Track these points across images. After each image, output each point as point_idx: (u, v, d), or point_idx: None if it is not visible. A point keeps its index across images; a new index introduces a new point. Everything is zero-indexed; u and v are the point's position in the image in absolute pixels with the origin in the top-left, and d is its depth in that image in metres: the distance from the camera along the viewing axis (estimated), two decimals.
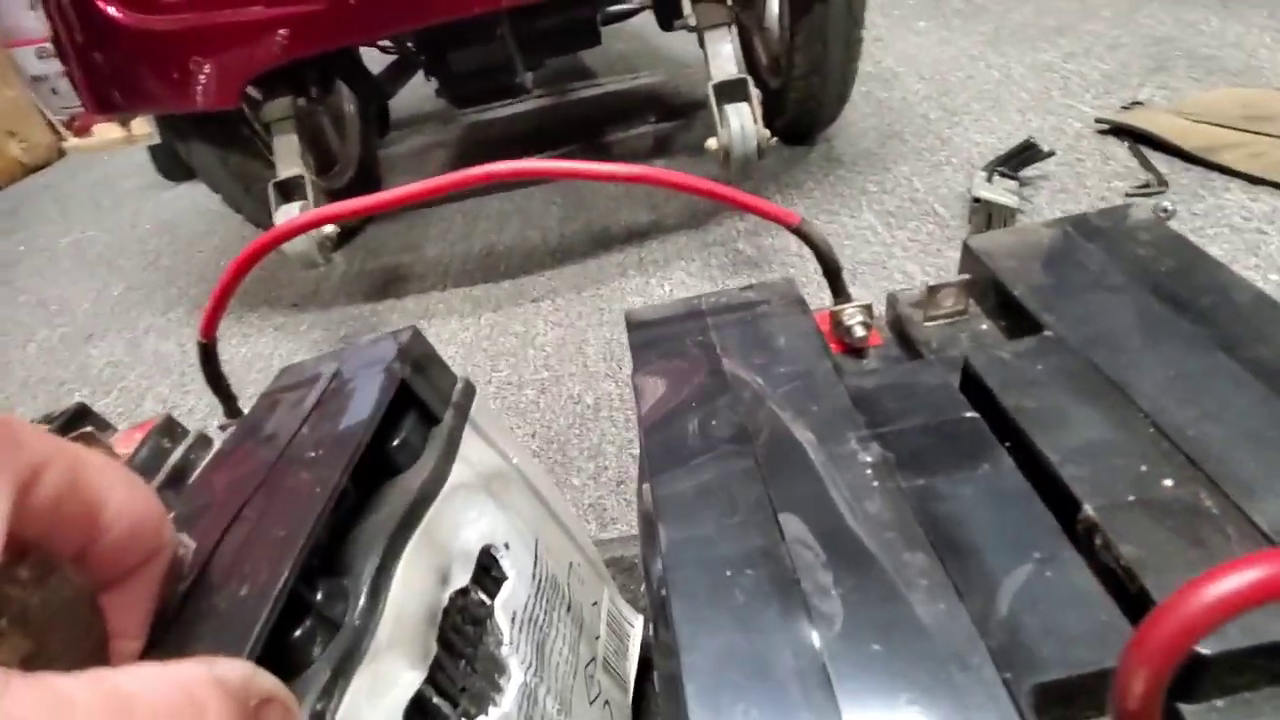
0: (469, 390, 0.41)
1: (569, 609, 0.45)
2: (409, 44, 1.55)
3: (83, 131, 3.42)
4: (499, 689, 0.35)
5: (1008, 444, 0.29)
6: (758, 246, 1.27)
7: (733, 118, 1.06)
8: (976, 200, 1.14)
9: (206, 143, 1.38)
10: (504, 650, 0.37)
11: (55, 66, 3.18)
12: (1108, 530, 0.24)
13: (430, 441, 0.38)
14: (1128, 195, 1.15)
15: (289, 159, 1.21)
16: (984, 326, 0.38)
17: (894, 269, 1.12)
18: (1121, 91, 1.44)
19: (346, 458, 0.32)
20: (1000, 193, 1.14)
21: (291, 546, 0.27)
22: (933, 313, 0.38)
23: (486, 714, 0.34)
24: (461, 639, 0.34)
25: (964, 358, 0.32)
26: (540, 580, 0.42)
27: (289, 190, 1.20)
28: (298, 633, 0.27)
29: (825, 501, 0.26)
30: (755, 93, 1.07)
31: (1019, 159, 1.23)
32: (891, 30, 2.02)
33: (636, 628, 0.55)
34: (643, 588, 0.63)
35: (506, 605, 0.38)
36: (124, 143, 3.22)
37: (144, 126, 3.13)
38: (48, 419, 0.40)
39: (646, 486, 0.31)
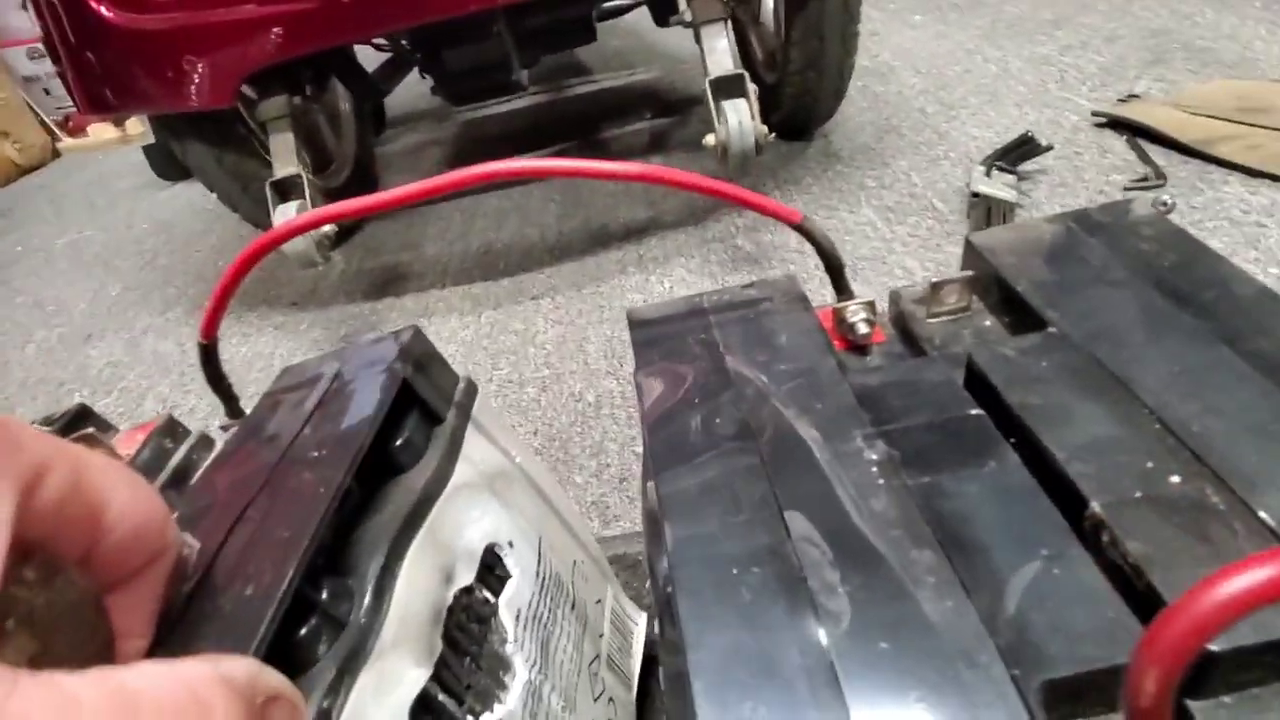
0: (471, 389, 0.41)
1: (573, 607, 0.45)
2: (404, 42, 1.54)
3: (77, 131, 3.41)
4: (504, 686, 0.35)
5: (1013, 441, 0.29)
6: (757, 243, 1.27)
7: (730, 114, 1.06)
8: (975, 195, 1.14)
9: (202, 142, 1.38)
10: (509, 648, 0.37)
11: (47, 67, 3.17)
12: (1115, 527, 0.24)
13: (433, 441, 0.38)
14: (1126, 189, 1.15)
15: (285, 158, 1.20)
16: (987, 323, 0.38)
17: (894, 264, 1.12)
18: (1118, 84, 1.44)
19: (350, 458, 0.32)
20: (999, 187, 1.14)
21: (296, 546, 0.27)
22: (935, 309, 0.38)
23: (492, 711, 0.34)
24: (466, 637, 0.34)
25: (968, 355, 0.32)
26: (544, 578, 0.42)
27: (286, 189, 1.19)
28: (303, 631, 0.27)
29: (831, 499, 0.26)
30: (752, 88, 1.07)
31: (1017, 153, 1.23)
32: (887, 24, 2.01)
33: (640, 625, 0.55)
34: (647, 585, 0.63)
35: (511, 603, 0.38)
36: (118, 142, 3.21)
37: (138, 126, 3.12)
38: (48, 420, 0.40)
39: (651, 484, 0.31)
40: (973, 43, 1.79)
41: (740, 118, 1.04)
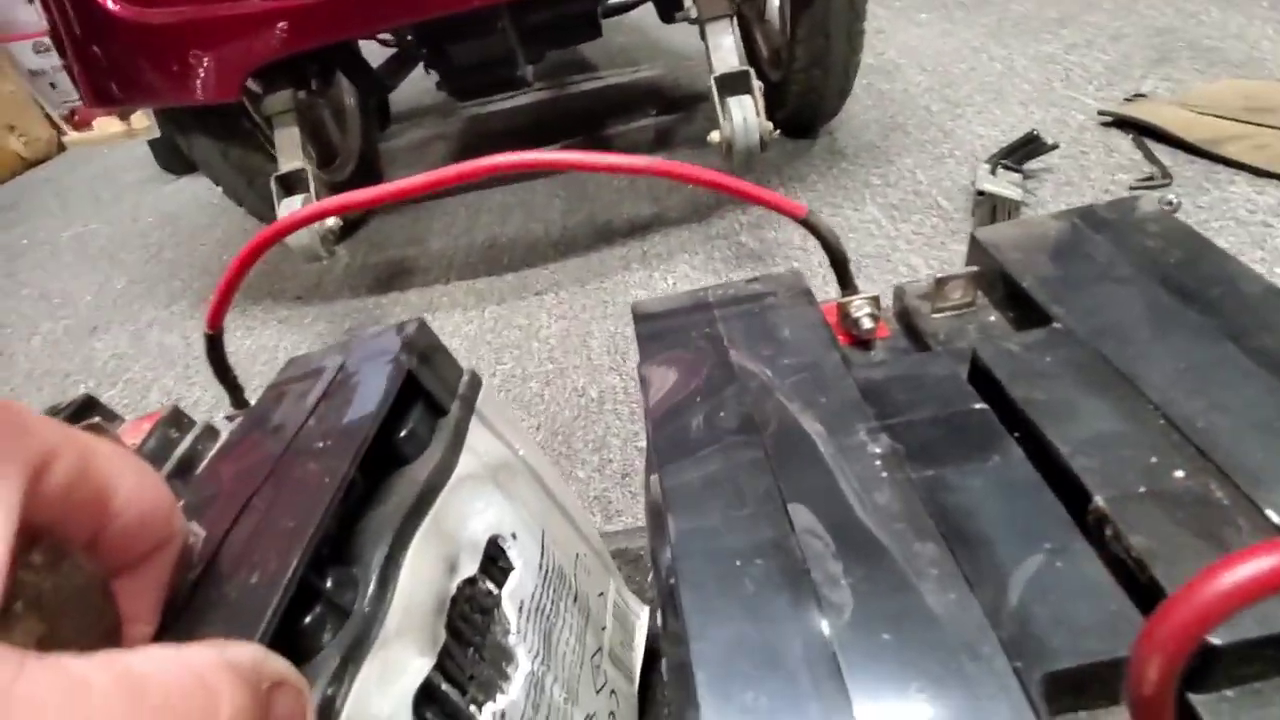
0: (475, 382, 0.41)
1: (575, 599, 0.45)
2: (409, 37, 1.54)
3: (82, 125, 3.41)
4: (507, 677, 0.36)
5: (1017, 436, 0.29)
6: (761, 240, 1.27)
7: (735, 110, 1.05)
8: (980, 193, 1.14)
9: (207, 136, 1.38)
10: (511, 639, 0.37)
11: (53, 61, 3.17)
12: (1118, 521, 0.24)
13: (437, 432, 0.38)
14: (1132, 188, 1.14)
15: (291, 152, 1.20)
16: (992, 318, 0.38)
17: (898, 262, 1.12)
18: (1124, 83, 1.44)
19: (354, 448, 0.32)
20: (1004, 185, 1.14)
21: (301, 535, 0.27)
22: (940, 305, 0.38)
23: (494, 701, 0.34)
24: (470, 628, 0.35)
25: (972, 349, 0.32)
26: (547, 571, 0.42)
27: (291, 183, 1.19)
28: (307, 620, 0.27)
29: (835, 492, 0.26)
30: (757, 85, 1.07)
31: (1022, 151, 1.22)
32: (893, 22, 2.01)
33: (642, 618, 0.55)
34: (649, 579, 0.63)
35: (514, 595, 0.38)
36: (124, 136, 3.22)
37: (144, 120, 3.12)
38: (54, 410, 0.40)
39: (655, 478, 0.31)
40: (978, 41, 1.78)
41: (745, 114, 1.04)
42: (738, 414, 0.31)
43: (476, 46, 1.34)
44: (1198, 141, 1.17)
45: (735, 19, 1.14)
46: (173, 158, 2.40)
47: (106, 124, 3.30)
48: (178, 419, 0.40)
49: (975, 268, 0.38)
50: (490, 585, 0.38)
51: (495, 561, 0.38)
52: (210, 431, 0.40)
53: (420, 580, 0.31)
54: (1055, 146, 1.23)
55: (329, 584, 0.28)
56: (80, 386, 1.35)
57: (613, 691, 0.46)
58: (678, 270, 1.24)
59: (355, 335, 0.38)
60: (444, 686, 0.31)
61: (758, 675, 0.21)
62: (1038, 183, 1.21)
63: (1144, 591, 0.22)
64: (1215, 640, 0.20)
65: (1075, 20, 1.75)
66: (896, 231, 1.19)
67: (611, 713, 0.45)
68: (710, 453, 0.30)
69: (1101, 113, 1.34)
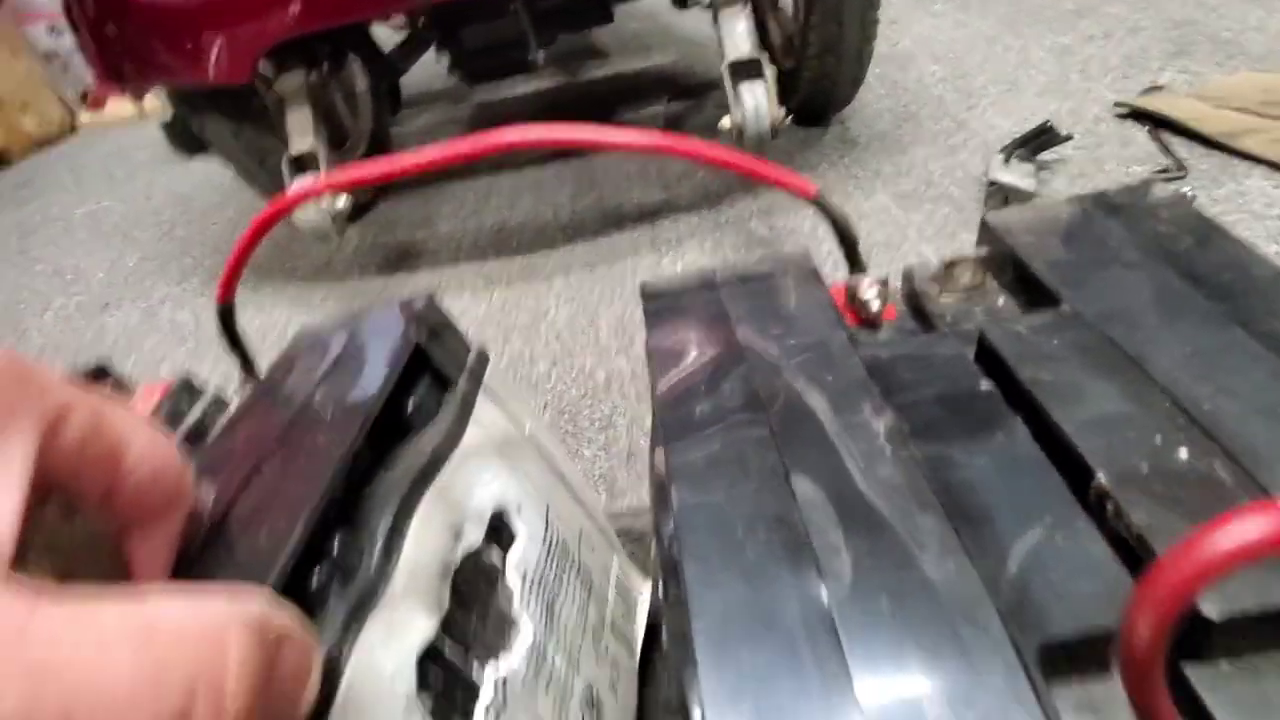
0: (483, 357, 0.42)
1: (578, 573, 0.45)
2: (421, 20, 1.54)
3: (95, 106, 3.43)
4: (509, 643, 0.36)
5: (1022, 416, 0.29)
6: (771, 226, 1.26)
7: (747, 97, 1.05)
8: (993, 183, 1.13)
9: (220, 117, 1.38)
10: (514, 607, 0.37)
11: (66, 42, 3.18)
12: (1119, 498, 0.24)
13: (444, 406, 0.38)
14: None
15: (302, 133, 1.21)
16: (1000, 302, 0.38)
17: (909, 251, 1.11)
18: (1141, 75, 1.42)
19: (361, 417, 0.32)
20: (1017, 176, 1.13)
21: (308, 498, 0.28)
22: (949, 287, 0.38)
23: (497, 665, 0.34)
24: (473, 594, 0.35)
25: (979, 331, 0.32)
26: (551, 544, 0.42)
27: (303, 164, 1.20)
28: (315, 579, 0.27)
29: (838, 466, 0.27)
30: (770, 71, 1.07)
31: (1036, 142, 1.22)
32: (908, 11, 1.99)
33: (645, 594, 0.56)
34: (651, 555, 0.63)
35: (518, 565, 0.38)
36: (136, 118, 3.23)
37: (155, 102, 3.13)
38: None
39: (659, 452, 0.32)
40: (994, 31, 1.77)
41: (757, 101, 1.04)
42: (743, 390, 0.32)
43: (488, 29, 1.33)
44: (1214, 135, 1.16)
45: (749, 5, 1.13)
46: (185, 139, 2.40)
47: (119, 106, 3.32)
48: (189, 388, 0.40)
49: (985, 251, 0.38)
50: (494, 555, 0.38)
51: (500, 533, 0.39)
52: (220, 401, 0.40)
53: (425, 546, 0.32)
54: (1070, 138, 1.22)
55: (336, 546, 0.29)
56: (92, 362, 1.36)
57: (614, 663, 0.47)
58: (687, 256, 1.24)
59: (365, 309, 0.39)
60: (447, 648, 0.32)
61: (756, 637, 0.22)
62: (1051, 174, 1.20)
63: (1144, 567, 0.23)
64: (1212, 614, 0.20)
65: (1093, 11, 1.73)
66: (908, 221, 1.19)
67: (613, 683, 0.45)
68: (715, 428, 0.30)
69: (1117, 104, 1.33)
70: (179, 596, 0.18)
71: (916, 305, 0.39)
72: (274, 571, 0.25)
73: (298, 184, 1.17)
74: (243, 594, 0.19)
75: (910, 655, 0.21)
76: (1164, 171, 1.13)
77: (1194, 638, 0.21)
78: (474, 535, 0.36)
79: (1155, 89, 1.34)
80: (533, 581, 0.40)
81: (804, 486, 0.26)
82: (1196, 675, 0.21)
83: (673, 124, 1.78)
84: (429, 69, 1.95)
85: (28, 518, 0.18)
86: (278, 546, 0.26)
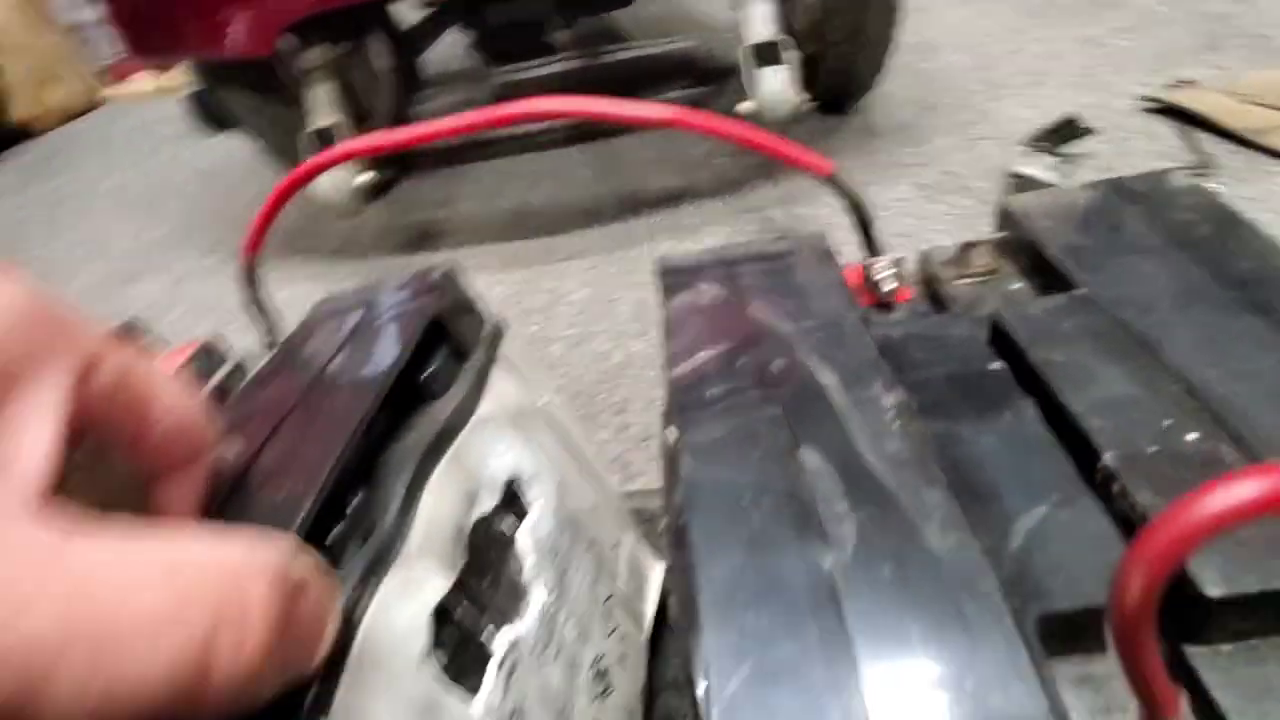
0: (500, 329, 0.42)
1: (590, 546, 0.46)
2: None
3: (120, 80, 3.46)
4: (520, 610, 0.37)
5: (1033, 397, 0.29)
6: (791, 215, 1.26)
7: (767, 81, 1.05)
8: (1014, 175, 1.12)
9: (243, 91, 1.39)
10: (526, 575, 0.38)
11: (90, 15, 3.20)
12: (1125, 478, 0.24)
13: (461, 375, 0.39)
14: None
15: (324, 109, 1.22)
16: (1016, 286, 0.38)
17: (928, 242, 1.10)
18: (1171, 70, 1.40)
19: (379, 382, 0.33)
20: (1039, 169, 1.12)
21: (328, 457, 0.28)
22: (964, 271, 0.38)
23: (509, 628, 0.35)
24: (486, 560, 0.36)
25: (993, 312, 0.32)
26: (563, 516, 0.43)
27: (325, 140, 1.21)
28: (333, 535, 0.28)
29: (845, 439, 0.27)
30: (792, 56, 1.06)
31: (1060, 135, 1.20)
32: (934, 1, 1.97)
33: (656, 574, 0.56)
34: (662, 525, 0.64)
35: (530, 534, 0.39)
36: (160, 92, 3.25)
37: (180, 77, 3.15)
38: None
39: (671, 427, 0.32)
40: (1021, 22, 1.74)
41: (777, 85, 1.03)
42: (755, 365, 0.32)
43: (511, 8, 1.33)
44: (1244, 131, 1.14)
45: None
46: (209, 115, 2.42)
47: (142, 80, 3.34)
48: (212, 352, 0.41)
49: (1002, 235, 0.38)
50: (507, 523, 0.39)
51: (513, 502, 0.40)
52: (242, 366, 0.41)
53: (441, 509, 0.33)
54: (1095, 131, 1.21)
55: (354, 504, 0.30)
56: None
57: (623, 637, 0.48)
58: (706, 242, 1.24)
59: (384, 279, 0.39)
60: (461, 607, 0.33)
61: (759, 601, 0.22)
62: (1075, 167, 1.18)
63: None
64: (1212, 592, 0.20)
65: (1124, 4, 1.70)
66: (927, 212, 1.18)
67: (621, 656, 0.46)
68: (725, 401, 0.31)
69: (1145, 99, 1.31)
70: (207, 536, 0.19)
71: (932, 289, 0.39)
72: (295, 524, 0.26)
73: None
74: (267, 538, 0.20)
75: (910, 623, 0.21)
76: (1191, 167, 1.12)
77: (1195, 619, 0.21)
78: (488, 502, 0.37)
79: (1184, 84, 1.32)
80: (545, 551, 0.40)
81: (811, 458, 0.26)
82: (1197, 656, 0.21)
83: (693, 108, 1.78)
84: (447, 49, 1.95)
85: (63, 451, 0.19)
86: (298, 501, 0.27)
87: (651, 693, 0.51)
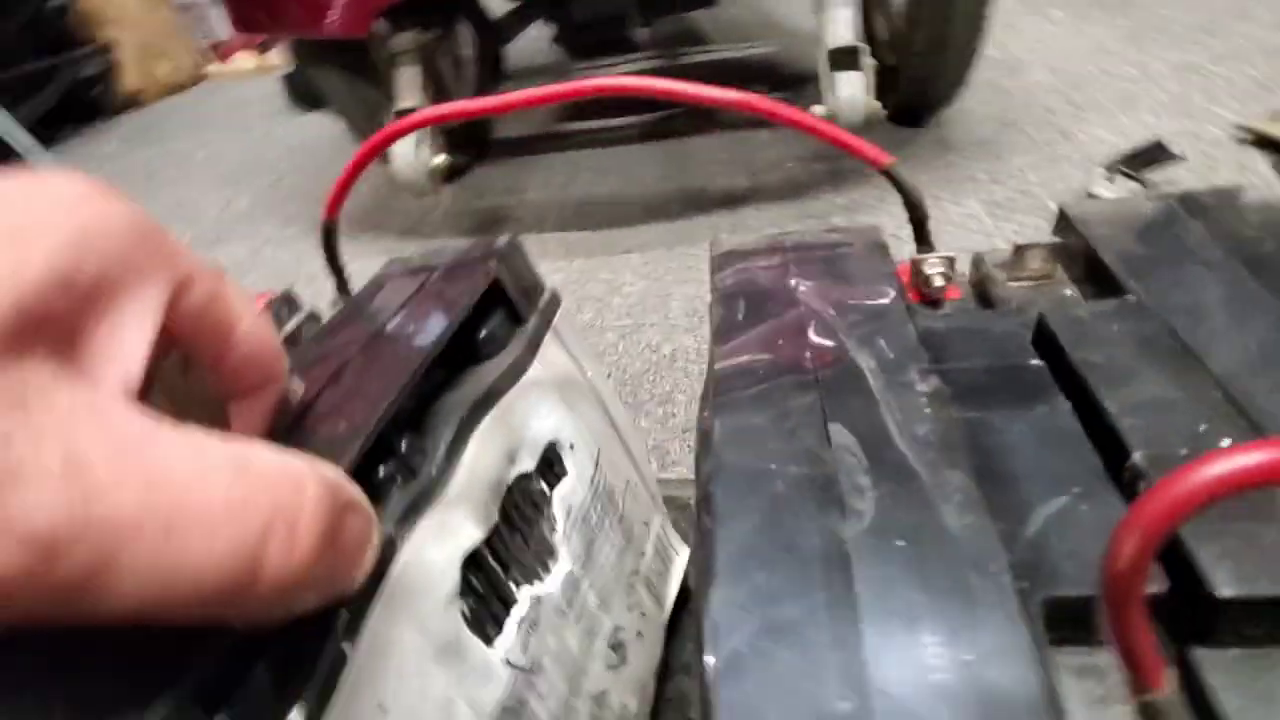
0: (555, 299, 0.44)
1: (620, 520, 0.47)
2: None
3: (224, 59, 3.64)
4: (547, 569, 0.38)
5: (1071, 396, 0.29)
6: (853, 222, 1.25)
7: (843, 86, 1.04)
8: (1091, 198, 1.09)
9: (336, 70, 1.46)
10: (556, 538, 0.40)
11: None
12: (1152, 476, 0.24)
13: (514, 339, 0.41)
14: None
15: (410, 91, 1.26)
16: (1068, 292, 0.37)
17: None
18: (1271, 100, 1.34)
19: (437, 337, 0.35)
20: (1118, 193, 1.09)
21: (383, 399, 0.30)
22: (1017, 274, 0.38)
23: (534, 588, 0.37)
24: (520, 517, 0.37)
25: (1039, 313, 0.32)
26: (598, 486, 0.44)
27: None
28: (381, 472, 0.30)
29: (875, 418, 0.28)
30: (869, 62, 1.05)
31: (1146, 159, 1.16)
32: (1023, 17, 1.92)
33: (681, 557, 0.57)
34: (691, 500, 0.65)
35: (564, 500, 0.41)
36: (259, 72, 3.41)
37: (277, 59, 3.30)
38: None
39: (708, 403, 0.33)
40: (1115, 43, 1.69)
41: (853, 91, 1.03)
42: (796, 349, 0.33)
43: (595, 3, 1.36)
44: None
45: None
46: (302, 94, 2.53)
47: (244, 59, 3.51)
48: (289, 301, 0.44)
49: (1058, 240, 0.38)
50: (544, 485, 0.40)
51: (551, 466, 0.41)
52: (314, 316, 0.44)
53: (482, 461, 0.34)
54: (1182, 158, 1.17)
55: (403, 447, 0.31)
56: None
57: (643, 614, 0.49)
58: None
59: (451, 245, 0.41)
60: (490, 559, 0.34)
61: (772, 562, 0.23)
62: (1156, 194, 1.14)
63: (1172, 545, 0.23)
64: (1224, 592, 0.20)
65: (1225, 29, 1.63)
66: (996, 230, 1.16)
67: (639, 632, 0.47)
68: (764, 381, 0.32)
69: (1240, 129, 1.26)
70: (271, 450, 0.21)
71: (982, 290, 0.39)
72: (347, 457, 0.28)
73: (402, 145, 1.23)
74: (322, 461, 0.21)
75: (918, 595, 0.21)
76: None
77: (1204, 620, 0.21)
78: (527, 462, 0.39)
79: None
80: (576, 518, 0.42)
81: (840, 431, 0.27)
82: (1203, 658, 0.21)
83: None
84: (533, 43, 1.99)
85: (153, 362, 0.21)
86: (352, 437, 0.29)
87: (665, 674, 0.52)
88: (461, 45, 1.85)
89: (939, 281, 0.37)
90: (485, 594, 0.34)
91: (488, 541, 0.34)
